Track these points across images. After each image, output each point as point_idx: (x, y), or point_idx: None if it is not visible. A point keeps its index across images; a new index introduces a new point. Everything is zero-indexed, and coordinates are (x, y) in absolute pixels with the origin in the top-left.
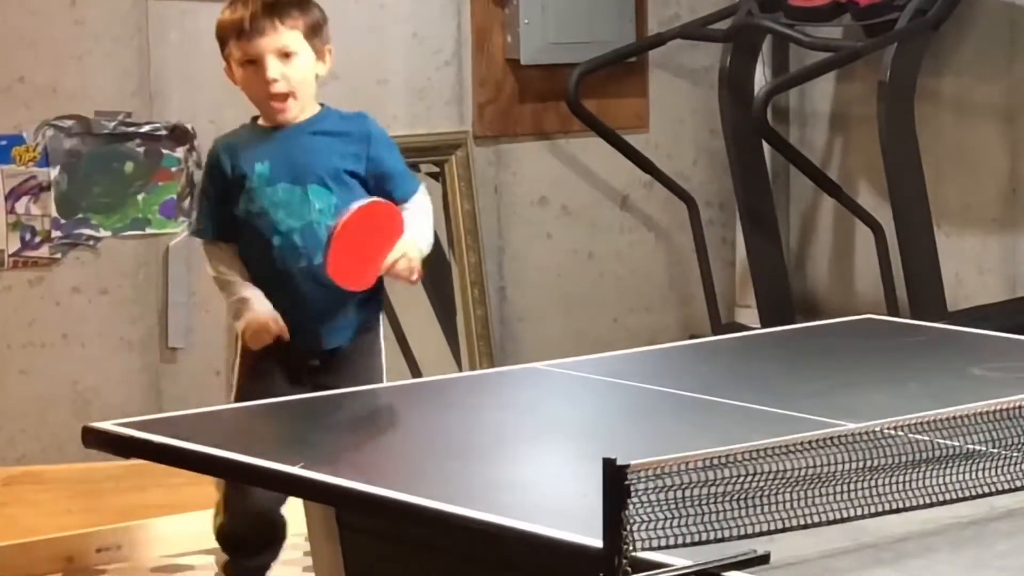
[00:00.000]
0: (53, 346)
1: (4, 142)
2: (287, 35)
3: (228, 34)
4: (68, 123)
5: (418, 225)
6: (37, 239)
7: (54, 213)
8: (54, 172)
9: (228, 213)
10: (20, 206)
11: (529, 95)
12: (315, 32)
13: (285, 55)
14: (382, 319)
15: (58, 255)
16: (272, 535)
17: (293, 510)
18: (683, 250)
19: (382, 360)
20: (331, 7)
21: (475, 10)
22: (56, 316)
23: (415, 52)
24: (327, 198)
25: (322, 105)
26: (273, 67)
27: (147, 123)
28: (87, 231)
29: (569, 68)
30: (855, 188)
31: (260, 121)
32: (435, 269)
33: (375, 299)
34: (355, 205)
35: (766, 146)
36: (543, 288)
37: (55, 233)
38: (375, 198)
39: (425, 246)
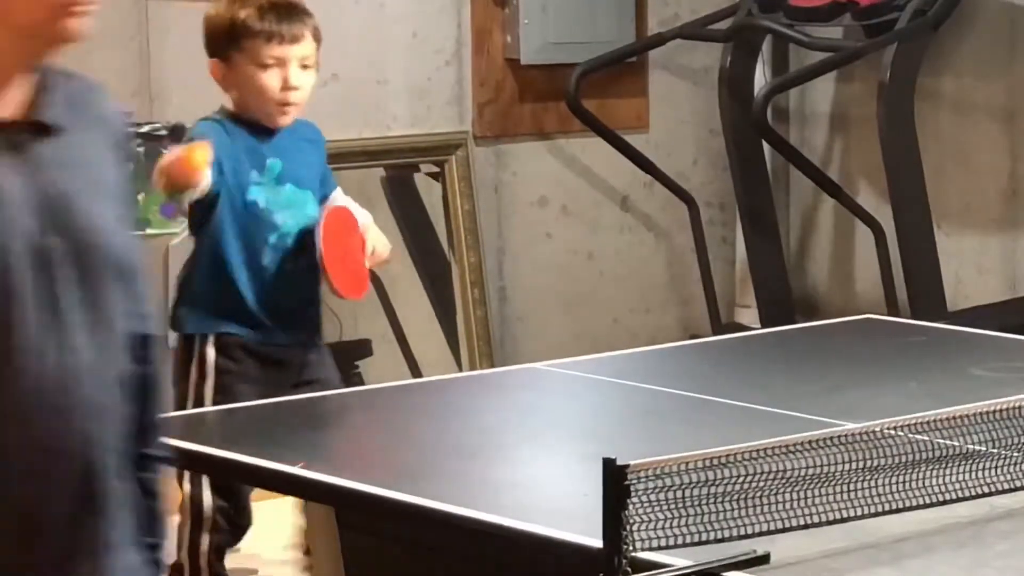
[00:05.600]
0: None
1: None
2: (310, 46)
3: (245, 34)
4: None
5: (354, 204)
6: None
7: None
8: None
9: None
10: None
11: (529, 95)
12: (319, 46)
13: (305, 66)
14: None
15: None
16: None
17: (291, 510)
18: (683, 250)
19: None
20: (331, 7)
21: (475, 10)
22: None
23: (415, 52)
24: (315, 206)
25: None
26: (296, 75)
27: (147, 123)
28: None
29: (569, 68)
30: (855, 188)
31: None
32: (435, 269)
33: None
34: (323, 217)
35: (766, 146)
36: (543, 288)
37: None
38: (331, 206)
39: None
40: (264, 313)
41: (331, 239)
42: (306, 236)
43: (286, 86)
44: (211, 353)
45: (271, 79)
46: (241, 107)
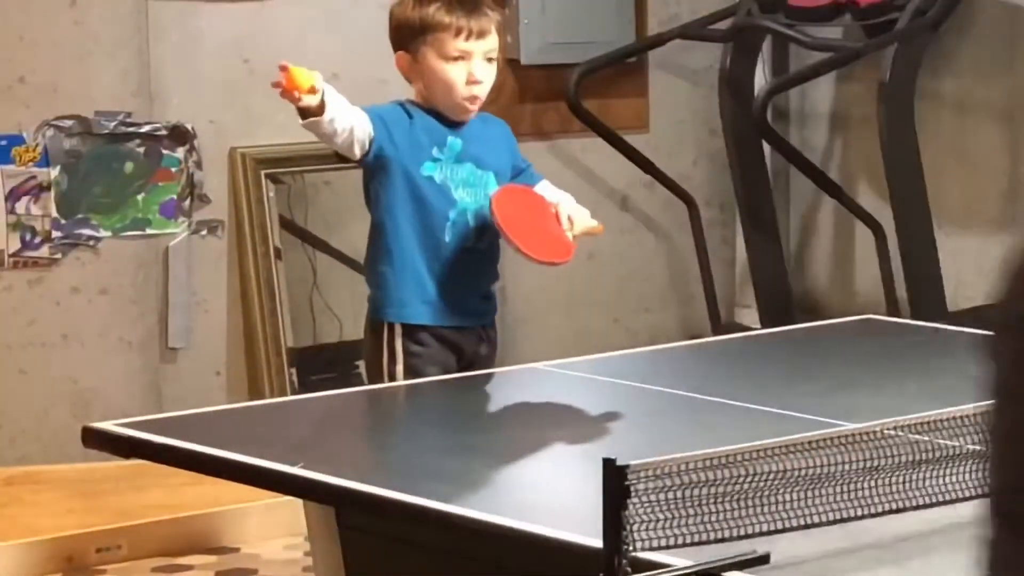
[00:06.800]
0: (53, 346)
1: (4, 142)
2: (495, 40)
3: (433, 28)
4: (68, 123)
5: (552, 189)
6: (37, 239)
7: (54, 213)
8: (54, 172)
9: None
10: (20, 206)
11: (529, 95)
12: (501, 39)
13: (489, 59)
14: None
15: (58, 255)
16: None
17: (294, 510)
18: (683, 250)
19: None
20: (332, 6)
21: None
22: (56, 316)
23: None
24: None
25: None
26: (481, 69)
27: (147, 123)
28: (87, 231)
29: (569, 68)
30: (855, 188)
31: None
32: None
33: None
34: (496, 193)
35: (766, 146)
36: (543, 288)
37: (55, 233)
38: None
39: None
40: (441, 292)
41: (506, 205)
42: (488, 217)
43: (471, 80)
44: (399, 341)
45: (457, 72)
46: (425, 99)
